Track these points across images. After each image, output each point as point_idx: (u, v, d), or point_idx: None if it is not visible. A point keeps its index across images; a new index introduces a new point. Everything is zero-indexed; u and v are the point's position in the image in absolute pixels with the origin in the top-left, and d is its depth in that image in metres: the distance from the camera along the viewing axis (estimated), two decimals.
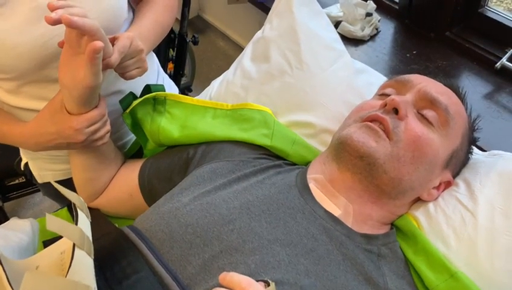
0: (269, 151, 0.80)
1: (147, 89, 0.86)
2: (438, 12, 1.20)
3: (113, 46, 0.67)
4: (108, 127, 0.77)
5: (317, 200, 0.68)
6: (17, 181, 1.55)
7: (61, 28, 0.69)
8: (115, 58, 0.66)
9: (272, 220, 0.64)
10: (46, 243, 0.78)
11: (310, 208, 0.67)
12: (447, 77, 0.80)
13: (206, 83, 1.05)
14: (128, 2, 0.83)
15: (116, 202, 0.88)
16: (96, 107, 0.73)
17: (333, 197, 0.68)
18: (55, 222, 0.51)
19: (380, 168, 0.66)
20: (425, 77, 0.76)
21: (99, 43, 0.60)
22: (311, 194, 0.69)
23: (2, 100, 0.79)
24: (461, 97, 0.77)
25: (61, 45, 0.66)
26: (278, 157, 0.80)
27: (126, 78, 0.73)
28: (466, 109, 0.76)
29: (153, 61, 0.96)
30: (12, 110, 0.79)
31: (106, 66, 0.66)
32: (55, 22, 0.58)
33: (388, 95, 0.74)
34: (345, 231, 0.65)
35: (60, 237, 0.59)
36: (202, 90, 1.02)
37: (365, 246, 0.65)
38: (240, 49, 2.24)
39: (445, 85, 0.76)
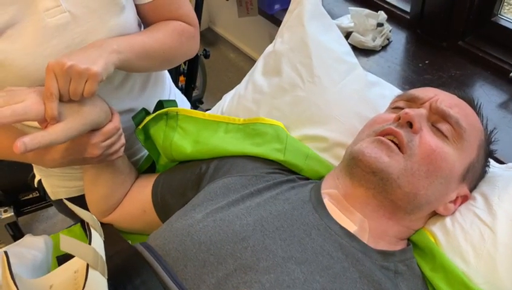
0: (282, 165, 0.79)
1: (160, 104, 0.86)
2: (450, 21, 1.19)
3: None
4: (123, 140, 0.77)
5: (332, 215, 0.67)
6: (31, 196, 1.56)
7: (69, 48, 0.70)
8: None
9: (287, 237, 0.63)
10: (60, 259, 0.78)
11: (324, 224, 0.66)
12: (461, 86, 0.79)
13: (218, 94, 1.05)
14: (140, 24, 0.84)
15: (130, 218, 0.88)
16: (110, 121, 0.73)
17: (348, 213, 0.67)
18: (68, 242, 0.51)
19: (394, 183, 0.65)
20: (437, 90, 0.75)
21: (16, 147, 0.58)
22: (326, 209, 0.68)
23: None
24: (476, 109, 0.76)
25: None
26: (291, 172, 0.79)
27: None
28: (482, 121, 0.75)
29: (164, 77, 0.97)
30: (25, 128, 0.80)
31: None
32: None
33: (401, 108, 0.73)
34: (360, 247, 0.64)
35: None
36: (213, 102, 1.03)
37: (382, 263, 0.64)
38: (251, 61, 2.26)
39: (459, 97, 0.75)
